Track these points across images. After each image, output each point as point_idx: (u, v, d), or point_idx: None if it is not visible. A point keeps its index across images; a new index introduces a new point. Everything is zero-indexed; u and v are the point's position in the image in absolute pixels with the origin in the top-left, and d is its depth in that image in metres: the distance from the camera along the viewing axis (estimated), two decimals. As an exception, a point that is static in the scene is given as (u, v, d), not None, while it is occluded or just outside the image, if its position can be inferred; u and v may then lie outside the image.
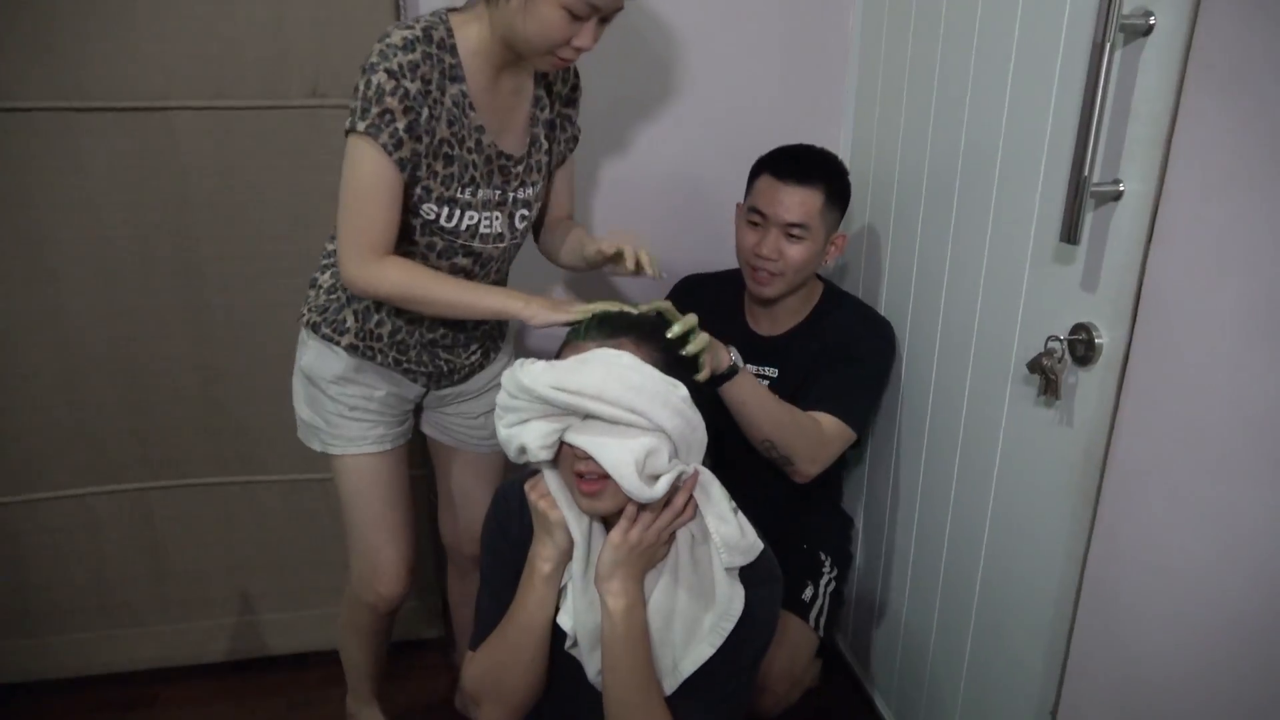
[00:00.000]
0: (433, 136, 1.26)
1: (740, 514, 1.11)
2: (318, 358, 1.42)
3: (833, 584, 1.71)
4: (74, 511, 1.84)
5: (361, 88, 1.20)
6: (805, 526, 1.75)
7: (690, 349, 1.14)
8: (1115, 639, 1.11)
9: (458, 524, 1.70)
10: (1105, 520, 1.11)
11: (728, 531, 1.08)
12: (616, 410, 1.00)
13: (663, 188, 1.91)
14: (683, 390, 1.04)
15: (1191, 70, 0.92)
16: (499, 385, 1.58)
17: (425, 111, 1.23)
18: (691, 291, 1.78)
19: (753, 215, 1.59)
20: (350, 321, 1.40)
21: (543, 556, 1.14)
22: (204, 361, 1.79)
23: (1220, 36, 0.89)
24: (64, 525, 1.84)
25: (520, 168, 1.38)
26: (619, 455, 1.00)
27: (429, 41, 1.23)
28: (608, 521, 1.11)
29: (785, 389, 1.62)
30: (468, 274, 1.40)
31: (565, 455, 1.06)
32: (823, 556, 1.73)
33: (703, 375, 1.18)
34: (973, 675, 1.47)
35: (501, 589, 1.20)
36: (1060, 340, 1.14)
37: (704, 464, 1.11)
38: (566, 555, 1.14)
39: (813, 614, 1.64)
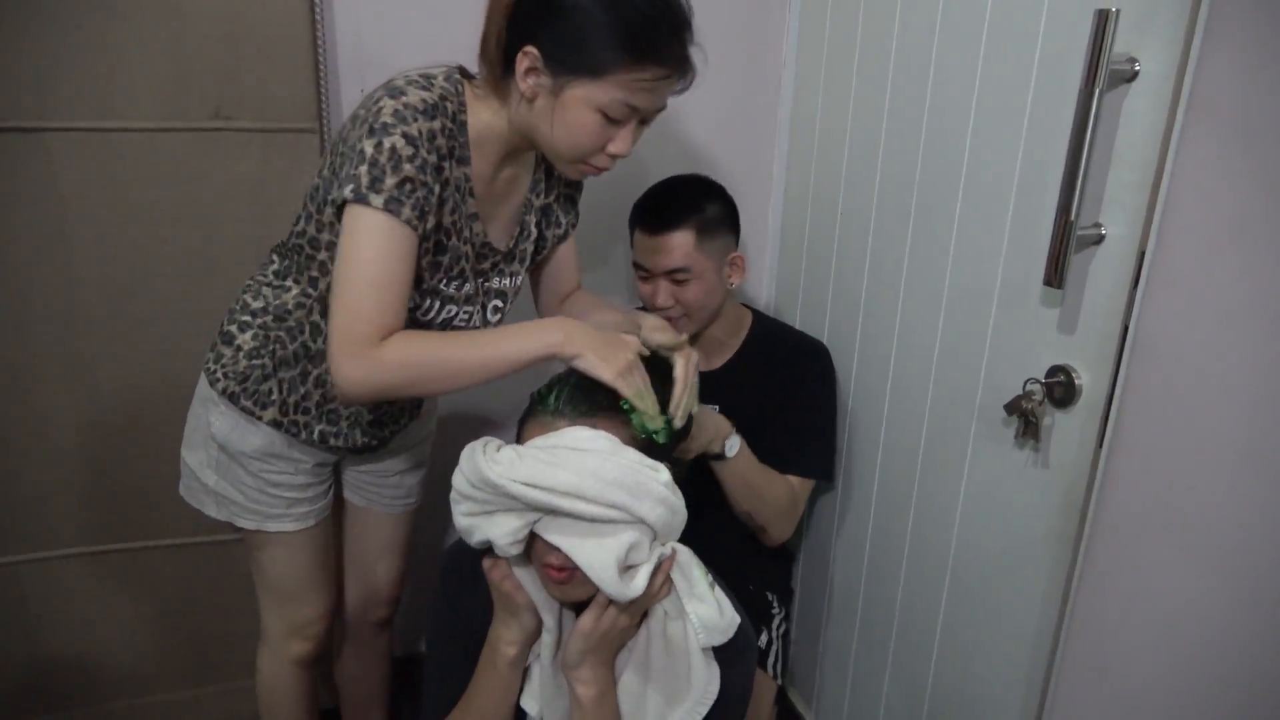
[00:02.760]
0: (436, 220, 1.09)
1: (718, 588, 1.04)
2: (234, 430, 1.24)
3: (783, 625, 1.67)
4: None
5: (368, 150, 1.00)
6: (749, 565, 1.68)
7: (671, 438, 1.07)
8: (1102, 680, 1.10)
9: (362, 589, 1.54)
10: (1096, 565, 1.10)
11: (706, 613, 1.01)
12: (595, 508, 0.91)
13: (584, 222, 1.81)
14: (665, 474, 0.96)
15: (1190, 119, 0.92)
16: (417, 441, 1.47)
17: (436, 189, 1.06)
18: None
19: (638, 271, 1.54)
20: (275, 394, 1.23)
21: (506, 640, 1.05)
22: (87, 418, 1.57)
23: (1224, 85, 0.89)
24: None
25: (501, 259, 1.25)
26: (599, 557, 0.91)
27: (445, 113, 1.06)
28: (578, 603, 1.03)
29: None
30: None
31: (536, 546, 0.97)
32: (770, 597, 1.68)
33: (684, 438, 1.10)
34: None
35: (453, 668, 1.10)
36: (1039, 382, 1.14)
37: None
38: (533, 637, 1.06)
39: (770, 661, 1.59)
